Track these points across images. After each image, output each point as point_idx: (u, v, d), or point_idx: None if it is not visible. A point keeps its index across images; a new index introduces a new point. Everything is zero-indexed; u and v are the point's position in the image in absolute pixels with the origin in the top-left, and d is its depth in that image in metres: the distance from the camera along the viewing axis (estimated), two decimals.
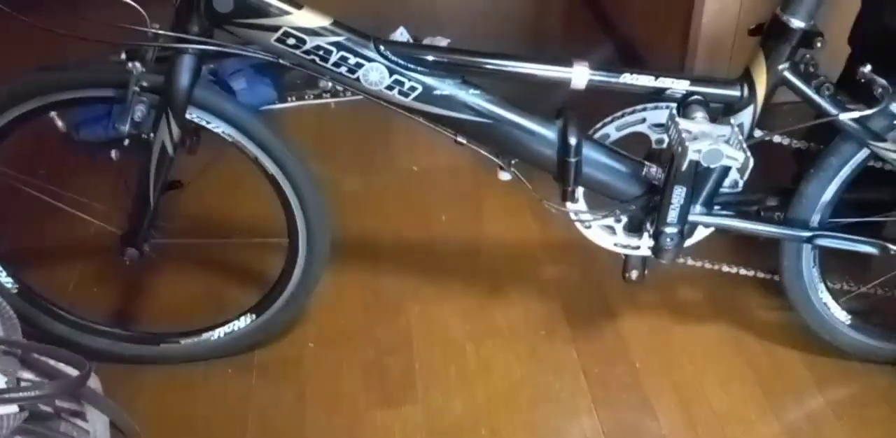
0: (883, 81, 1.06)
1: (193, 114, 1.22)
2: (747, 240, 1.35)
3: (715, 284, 1.55)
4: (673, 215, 1.19)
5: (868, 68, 1.04)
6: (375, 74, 1.13)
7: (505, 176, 1.23)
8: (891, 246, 1.20)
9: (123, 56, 1.14)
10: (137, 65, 1.13)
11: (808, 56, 1.10)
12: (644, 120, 1.17)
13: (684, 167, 0.98)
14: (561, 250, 1.69)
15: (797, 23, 1.04)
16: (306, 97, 2.26)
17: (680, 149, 0.97)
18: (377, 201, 1.89)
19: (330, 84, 2.19)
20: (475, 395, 1.41)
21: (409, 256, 1.73)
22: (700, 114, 1.03)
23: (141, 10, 1.11)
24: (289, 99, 2.26)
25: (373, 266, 1.69)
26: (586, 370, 1.45)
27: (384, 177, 1.98)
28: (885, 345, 1.39)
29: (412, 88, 1.14)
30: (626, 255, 1.32)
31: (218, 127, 1.23)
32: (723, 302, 1.56)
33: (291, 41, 1.09)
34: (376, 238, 1.77)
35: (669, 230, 1.20)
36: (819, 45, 1.07)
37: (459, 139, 1.20)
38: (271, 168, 1.28)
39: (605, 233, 1.26)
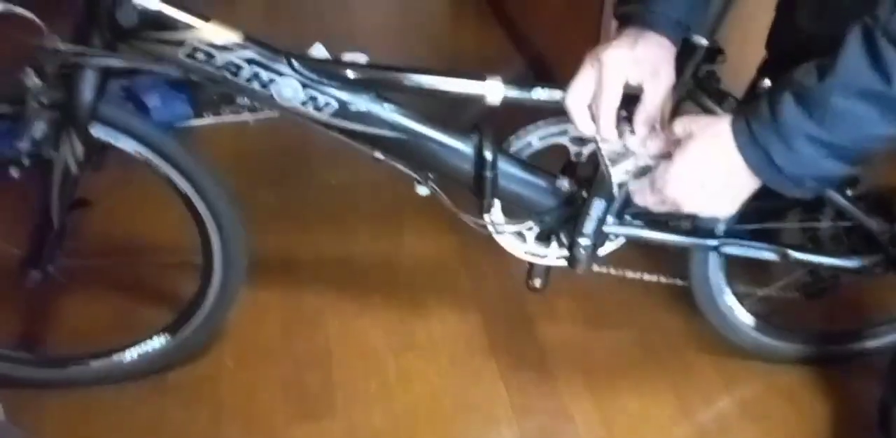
0: None
1: (99, 132, 1.19)
2: (656, 248, 1.40)
3: (627, 291, 1.59)
4: (589, 227, 1.21)
5: (767, 82, 1.08)
6: (289, 90, 1.12)
7: (423, 190, 1.23)
8: (791, 253, 1.26)
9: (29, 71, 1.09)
10: (36, 80, 1.09)
11: (710, 71, 1.14)
12: (565, 132, 1.19)
13: (614, 188, 1.00)
14: (479, 262, 1.71)
15: (700, 40, 1.08)
16: (223, 113, 2.23)
17: (608, 171, 0.98)
18: (296, 216, 1.87)
19: (248, 100, 2.16)
20: (395, 407, 1.41)
21: (328, 270, 1.72)
22: (625, 128, 1.05)
23: (39, 22, 1.08)
24: (205, 115, 2.22)
25: (292, 281, 1.67)
26: (505, 379, 1.47)
27: (303, 191, 1.97)
28: (786, 345, 1.45)
29: (327, 104, 1.13)
30: (531, 264, 1.35)
31: (126, 144, 1.20)
32: (635, 308, 1.61)
33: (200, 56, 1.08)
34: (295, 253, 1.76)
35: (585, 241, 1.23)
36: (721, 60, 1.11)
37: (377, 155, 1.20)
38: (183, 186, 1.25)
39: (517, 241, 1.28)
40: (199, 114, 2.22)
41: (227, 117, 2.23)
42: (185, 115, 2.21)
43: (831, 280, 1.35)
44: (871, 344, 1.45)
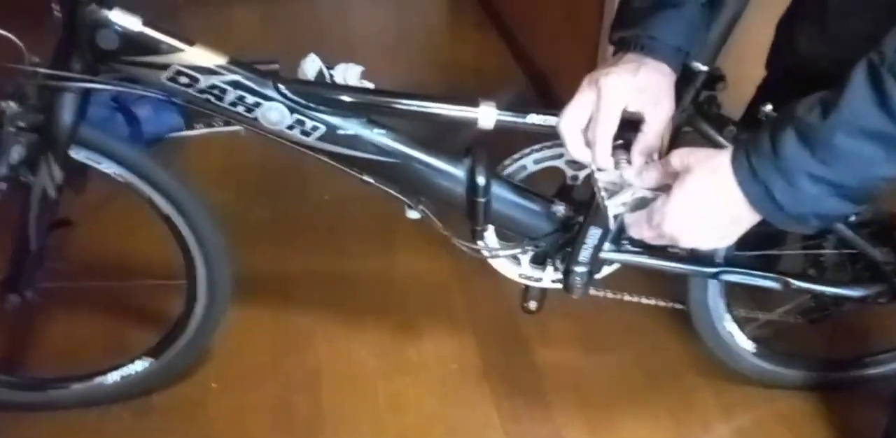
0: None
1: (80, 155, 1.15)
2: (654, 272, 1.36)
3: (625, 314, 1.55)
4: (585, 254, 1.18)
5: (769, 107, 1.05)
6: (275, 114, 1.08)
7: (413, 214, 1.20)
8: (792, 281, 1.22)
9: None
10: (11, 104, 1.06)
11: (711, 97, 1.10)
12: (561, 155, 1.16)
13: (610, 221, 0.97)
14: (473, 283, 1.67)
15: (700, 66, 1.05)
16: (215, 124, 2.18)
17: (604, 203, 0.95)
18: (287, 232, 1.84)
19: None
20: (386, 432, 1.38)
21: (318, 289, 1.68)
22: (621, 157, 1.01)
23: (19, 43, 1.05)
24: (196, 126, 2.18)
25: (281, 300, 1.64)
26: (498, 404, 1.44)
27: (295, 206, 1.93)
28: (787, 371, 1.42)
29: (314, 128, 1.10)
30: (527, 286, 1.31)
31: (108, 167, 1.17)
32: (633, 331, 1.57)
33: (184, 80, 1.04)
34: (285, 270, 1.72)
35: (580, 268, 1.20)
36: (721, 88, 1.08)
37: (365, 178, 1.17)
38: (166, 208, 1.22)
39: (511, 264, 1.25)
40: (190, 126, 2.18)
41: (219, 128, 2.19)
42: (176, 126, 2.18)
43: (834, 306, 1.32)
44: (875, 371, 1.42)
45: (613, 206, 0.94)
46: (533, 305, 1.34)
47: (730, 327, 1.35)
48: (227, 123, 2.12)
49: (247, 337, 1.55)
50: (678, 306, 1.37)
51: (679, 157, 0.87)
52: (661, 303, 1.38)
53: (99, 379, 1.37)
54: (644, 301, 1.38)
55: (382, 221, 1.84)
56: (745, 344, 1.36)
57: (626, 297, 1.37)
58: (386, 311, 1.62)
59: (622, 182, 0.96)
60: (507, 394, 1.45)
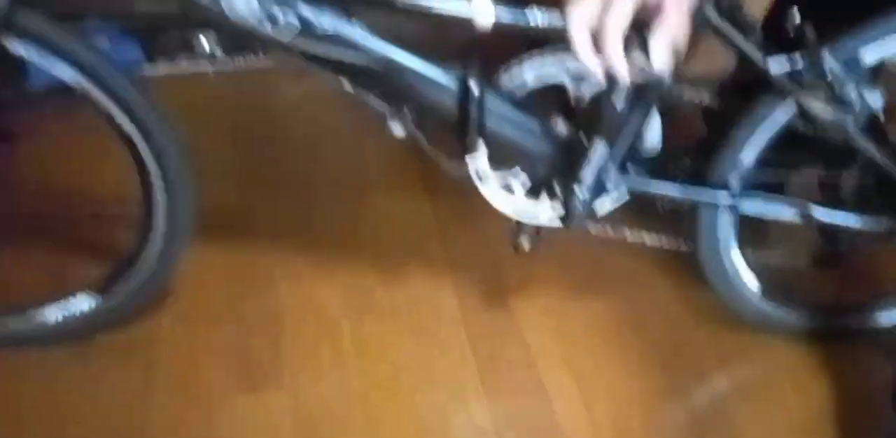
0: (811, 28, 0.97)
1: (18, 47, 1.00)
2: (651, 210, 1.26)
3: (617, 258, 1.45)
4: (588, 175, 1.06)
5: (796, 11, 0.94)
6: (242, 4, 0.95)
7: (397, 129, 1.07)
8: (815, 211, 1.12)
9: None
10: None
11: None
12: (566, 68, 1.04)
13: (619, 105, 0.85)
14: (454, 225, 1.55)
15: None
16: (180, 63, 2.01)
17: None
18: (254, 170, 1.69)
19: (207, 47, 1.96)
20: (350, 378, 1.27)
21: (285, 229, 1.54)
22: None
23: None
24: (159, 61, 2.02)
25: (244, 240, 1.50)
26: (475, 350, 1.32)
27: (263, 146, 1.78)
28: (793, 317, 1.32)
29: (288, 24, 0.97)
30: (520, 223, 1.20)
31: (62, 71, 1.02)
32: (624, 276, 1.46)
33: None
34: (250, 208, 1.58)
35: (582, 192, 1.08)
36: None
37: (346, 86, 1.04)
38: (127, 127, 1.08)
39: (504, 195, 1.13)
40: (151, 59, 2.01)
41: (184, 66, 2.02)
42: (136, 60, 2.00)
43: (847, 247, 1.22)
44: (885, 320, 1.32)
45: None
46: (526, 244, 1.22)
47: (737, 264, 1.24)
48: (194, 63, 2.03)
49: (205, 277, 1.41)
50: (684, 246, 1.27)
51: None
52: (666, 243, 1.27)
53: (39, 316, 1.24)
54: (648, 240, 1.27)
55: (357, 161, 1.71)
56: (751, 284, 1.26)
57: (629, 236, 1.27)
58: (357, 254, 1.49)
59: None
60: (484, 342, 1.34)
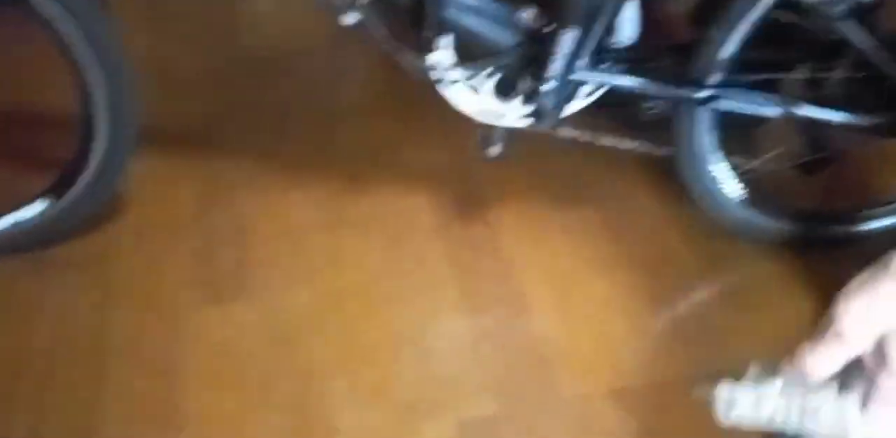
0: None
1: None
2: (632, 118, 1.19)
3: (593, 168, 1.38)
4: (557, 67, 0.99)
5: None
6: None
7: (350, 17, 0.99)
8: (796, 108, 1.05)
9: None
10: None
11: None
12: None
13: None
14: (426, 132, 1.48)
15: None
16: None
17: None
18: (220, 80, 1.61)
19: None
20: (320, 290, 1.22)
21: (252, 139, 1.48)
22: None
23: None
24: None
25: (209, 153, 1.44)
26: (451, 261, 1.27)
27: (228, 54, 1.69)
28: (776, 224, 1.26)
29: None
30: (488, 127, 1.13)
31: None
32: (605, 183, 1.40)
33: None
34: (216, 118, 1.51)
35: (551, 86, 1.01)
36: None
37: None
38: (63, 26, 1.01)
39: (469, 94, 1.06)
40: None
41: None
42: None
43: (832, 152, 1.15)
44: (870, 226, 1.26)
45: None
46: (495, 150, 1.16)
47: (718, 170, 1.18)
48: None
49: (167, 189, 1.36)
50: (662, 151, 1.20)
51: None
52: (643, 147, 1.20)
53: None
54: (623, 144, 1.20)
55: (324, 69, 1.63)
56: (732, 189, 1.20)
57: (603, 140, 1.20)
58: (327, 169, 1.42)
59: None
60: (461, 252, 1.29)
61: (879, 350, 0.59)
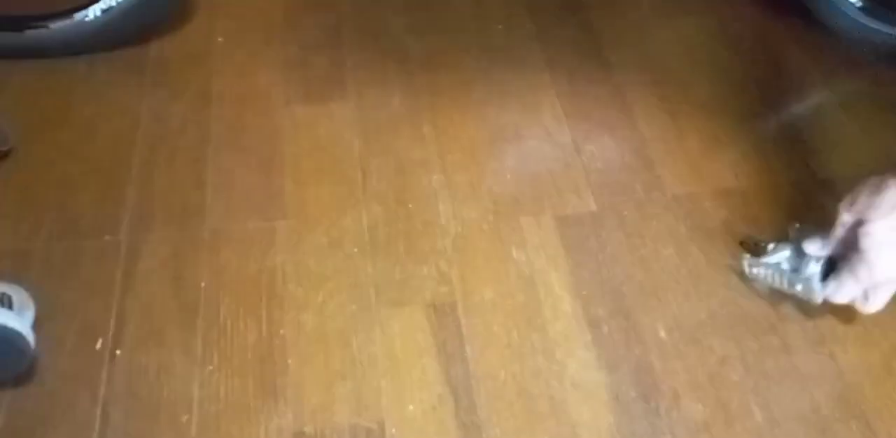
0: None
1: None
2: None
3: None
4: None
5: None
6: None
7: None
8: None
9: None
10: None
11: None
12: None
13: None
14: None
15: None
16: None
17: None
18: None
19: None
20: (415, 91, 1.18)
21: None
22: None
23: None
24: None
25: None
26: (551, 65, 1.22)
27: None
28: (892, 32, 1.17)
29: None
30: None
31: None
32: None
33: None
34: None
35: None
36: None
37: None
38: None
39: None
40: None
41: None
42: None
43: None
44: None
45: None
46: None
47: None
48: None
49: None
50: None
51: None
52: None
53: (80, 15, 1.17)
54: None
55: None
56: None
57: None
58: None
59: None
60: (560, 57, 1.23)
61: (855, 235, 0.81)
